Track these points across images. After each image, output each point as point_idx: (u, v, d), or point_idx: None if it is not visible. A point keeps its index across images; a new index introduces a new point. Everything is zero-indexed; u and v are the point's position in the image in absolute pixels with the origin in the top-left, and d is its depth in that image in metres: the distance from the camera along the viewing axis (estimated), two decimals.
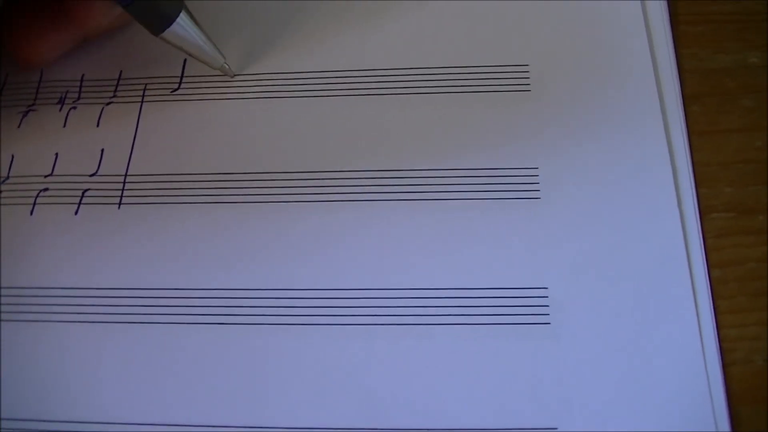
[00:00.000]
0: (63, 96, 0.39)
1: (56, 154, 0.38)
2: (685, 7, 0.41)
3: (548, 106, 0.37)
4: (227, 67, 0.38)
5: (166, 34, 0.36)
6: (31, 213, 0.36)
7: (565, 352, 0.32)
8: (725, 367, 0.32)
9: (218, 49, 0.38)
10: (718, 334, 0.32)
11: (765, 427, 0.31)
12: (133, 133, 0.38)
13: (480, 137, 0.36)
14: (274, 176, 0.36)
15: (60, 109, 0.39)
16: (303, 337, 0.33)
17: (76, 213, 0.36)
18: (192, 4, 0.36)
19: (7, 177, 0.37)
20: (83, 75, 0.40)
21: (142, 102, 0.39)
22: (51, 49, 0.38)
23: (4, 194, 0.37)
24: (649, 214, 0.34)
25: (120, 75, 0.40)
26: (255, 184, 0.36)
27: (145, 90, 0.39)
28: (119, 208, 0.36)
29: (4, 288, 0.35)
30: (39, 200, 0.37)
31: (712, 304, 0.33)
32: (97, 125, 0.38)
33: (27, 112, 0.39)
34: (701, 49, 0.40)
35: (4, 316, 0.34)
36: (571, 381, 0.31)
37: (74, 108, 0.39)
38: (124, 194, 0.36)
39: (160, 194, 0.36)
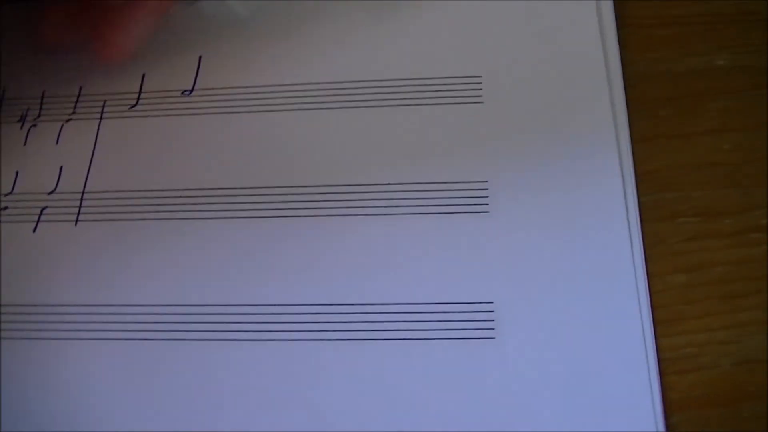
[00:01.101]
0: (24, 114, 0.39)
1: (16, 173, 0.38)
2: (653, 9, 0.41)
3: (500, 118, 0.37)
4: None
5: None
6: None
7: (509, 365, 0.32)
8: (693, 371, 0.32)
9: None
10: (657, 343, 0.32)
11: (731, 428, 0.31)
12: (92, 150, 0.38)
13: (430, 150, 0.36)
14: (229, 192, 0.36)
15: (21, 127, 0.39)
16: (249, 352, 0.33)
17: (34, 230, 0.36)
18: None
19: None
20: (44, 91, 0.40)
21: (100, 119, 0.39)
22: (135, 38, 0.37)
23: None
24: (598, 228, 0.34)
25: (80, 91, 0.40)
26: (211, 200, 0.36)
27: (104, 106, 0.39)
28: (76, 225, 0.36)
29: None
30: None
31: (651, 315, 0.32)
32: (57, 142, 0.38)
33: None
34: (670, 52, 0.39)
35: None
36: (515, 394, 0.31)
37: (35, 126, 0.39)
38: (81, 211, 0.36)
39: (118, 211, 0.36)
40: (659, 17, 0.40)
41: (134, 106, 0.39)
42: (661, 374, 0.31)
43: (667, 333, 0.33)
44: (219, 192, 0.36)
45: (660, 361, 0.32)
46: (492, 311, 0.33)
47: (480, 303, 0.33)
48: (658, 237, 0.35)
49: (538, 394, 0.31)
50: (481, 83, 0.38)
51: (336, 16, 0.40)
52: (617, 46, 0.38)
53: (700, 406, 0.31)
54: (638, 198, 0.35)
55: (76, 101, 0.39)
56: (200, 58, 0.40)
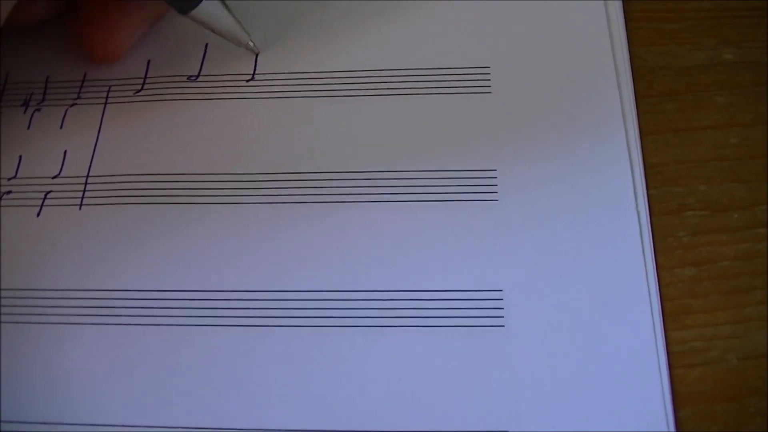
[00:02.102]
0: (27, 98, 0.39)
1: (20, 157, 0.37)
2: (661, 3, 0.40)
3: (508, 108, 0.37)
4: (252, 44, 0.38)
5: (195, 12, 0.36)
6: None
7: (518, 354, 0.31)
8: (700, 365, 0.32)
9: (243, 27, 0.38)
10: (666, 336, 0.32)
11: (738, 423, 0.31)
12: (96, 135, 0.37)
13: (439, 139, 0.36)
14: (234, 177, 0.36)
15: (25, 111, 0.39)
16: (255, 339, 0.32)
17: (38, 215, 0.36)
18: None
19: None
20: (48, 77, 0.39)
21: (105, 103, 0.38)
22: (125, 40, 0.38)
23: None
24: (607, 217, 0.34)
25: (84, 76, 0.39)
26: (217, 185, 0.36)
27: (109, 91, 0.39)
28: (80, 209, 0.36)
29: None
30: (2, 203, 0.36)
31: (660, 307, 0.32)
32: (61, 127, 0.38)
33: None
34: (677, 46, 0.39)
35: None
36: (523, 384, 0.31)
37: (38, 110, 0.38)
38: (85, 196, 0.36)
39: (122, 195, 0.36)
40: (667, 11, 0.40)
41: (139, 91, 0.39)
42: (669, 368, 0.31)
43: (674, 326, 0.32)
44: (224, 177, 0.36)
45: (668, 354, 0.32)
46: (501, 299, 0.32)
47: (489, 291, 0.33)
48: (666, 230, 0.34)
49: (546, 383, 0.31)
50: (489, 74, 0.38)
51: (345, 6, 0.40)
52: (625, 39, 0.38)
53: (707, 401, 0.31)
54: (646, 191, 0.35)
55: (81, 86, 0.39)
56: (206, 45, 0.40)
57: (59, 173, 0.37)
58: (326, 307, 0.33)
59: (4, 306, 0.34)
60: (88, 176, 0.36)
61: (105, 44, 0.38)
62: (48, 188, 0.36)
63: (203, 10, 0.36)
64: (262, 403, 0.31)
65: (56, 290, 0.34)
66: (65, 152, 0.37)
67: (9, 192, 0.36)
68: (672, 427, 0.30)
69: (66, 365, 0.33)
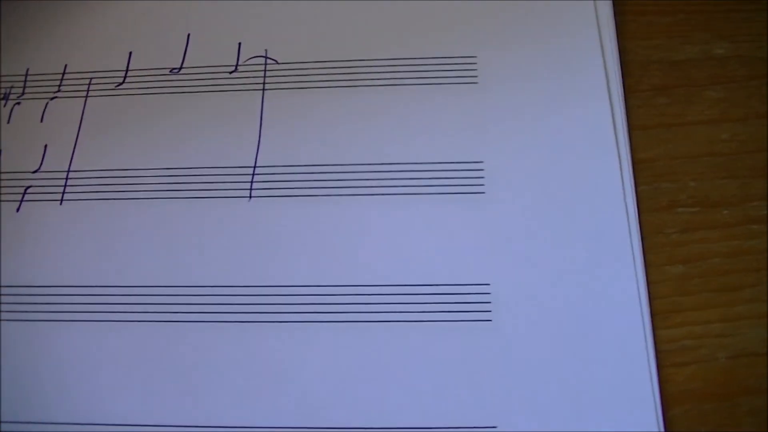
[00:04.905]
0: (8, 92, 0.38)
1: None
2: None
3: (495, 99, 0.36)
4: None
5: None
6: None
7: (506, 349, 0.31)
8: (690, 364, 0.32)
9: None
10: (655, 334, 0.32)
11: (729, 423, 0.31)
12: (77, 129, 0.37)
13: (425, 130, 0.36)
14: (217, 171, 0.35)
15: (4, 105, 0.38)
16: (239, 335, 0.32)
17: (18, 210, 0.35)
18: None
19: None
20: (28, 69, 0.39)
21: (86, 97, 0.38)
22: None
23: None
24: (595, 211, 0.34)
25: (65, 69, 0.39)
26: (199, 179, 0.35)
27: (90, 84, 0.38)
28: (61, 204, 0.35)
29: None
30: None
31: (648, 304, 0.32)
32: (41, 120, 0.37)
33: None
34: (669, 40, 0.39)
35: None
36: (511, 379, 0.31)
37: (18, 104, 0.38)
38: (66, 190, 0.36)
39: (103, 190, 0.35)
40: (659, 5, 0.40)
41: (121, 83, 0.38)
42: (659, 366, 0.31)
43: (664, 325, 0.32)
44: (207, 171, 0.35)
45: (657, 353, 0.31)
46: (489, 293, 0.32)
47: (476, 285, 0.32)
48: (656, 227, 0.34)
49: (534, 380, 0.31)
50: (476, 63, 0.37)
51: None
52: (614, 32, 0.38)
53: (697, 400, 0.31)
54: (636, 187, 0.34)
55: (61, 79, 0.38)
56: (189, 36, 0.39)
57: (39, 168, 0.36)
58: (312, 302, 0.32)
59: None
60: (69, 171, 0.36)
61: None
62: (28, 183, 0.36)
63: None
64: (249, 400, 0.31)
65: (37, 287, 0.34)
66: (45, 147, 0.37)
67: None
68: (662, 427, 0.30)
69: (44, 359, 0.32)
